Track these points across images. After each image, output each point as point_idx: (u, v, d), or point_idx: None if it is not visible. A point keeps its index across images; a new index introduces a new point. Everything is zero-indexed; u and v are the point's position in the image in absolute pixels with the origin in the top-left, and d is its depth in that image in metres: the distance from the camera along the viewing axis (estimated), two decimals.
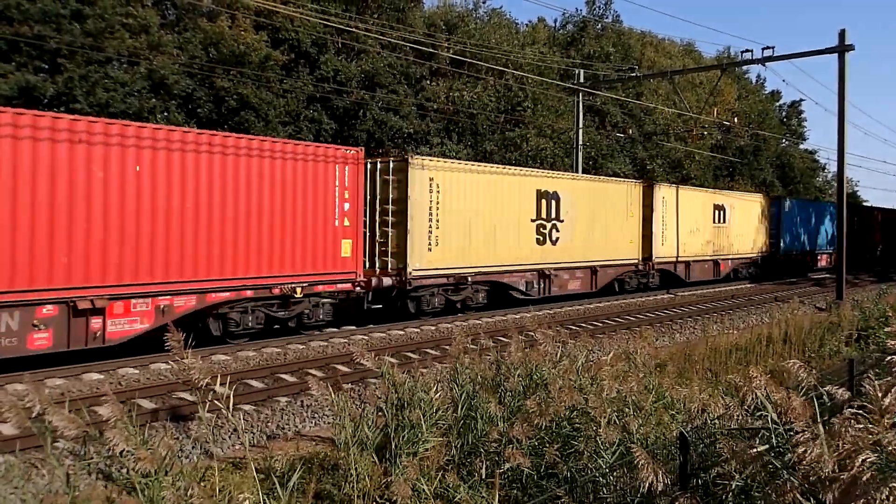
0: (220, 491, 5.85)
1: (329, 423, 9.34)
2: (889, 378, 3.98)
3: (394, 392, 6.83)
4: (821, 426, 3.81)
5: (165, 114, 23.88)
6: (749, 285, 31.40)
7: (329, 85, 27.47)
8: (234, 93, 24.99)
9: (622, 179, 27.64)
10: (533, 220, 21.05)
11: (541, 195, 21.39)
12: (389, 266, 17.30)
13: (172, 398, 10.18)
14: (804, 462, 3.48)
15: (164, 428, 8.71)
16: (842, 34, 23.14)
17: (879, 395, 3.68)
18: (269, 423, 9.46)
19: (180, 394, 10.25)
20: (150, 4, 24.63)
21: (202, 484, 6.28)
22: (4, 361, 10.97)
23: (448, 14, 35.61)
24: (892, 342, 3.80)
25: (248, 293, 13.96)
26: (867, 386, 3.91)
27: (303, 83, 27.08)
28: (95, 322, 11.85)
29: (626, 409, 6.44)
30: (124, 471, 4.87)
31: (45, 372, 11.20)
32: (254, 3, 24.19)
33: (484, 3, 39.06)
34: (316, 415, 9.90)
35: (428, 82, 31.97)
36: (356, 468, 6.33)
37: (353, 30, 25.62)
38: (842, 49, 23.00)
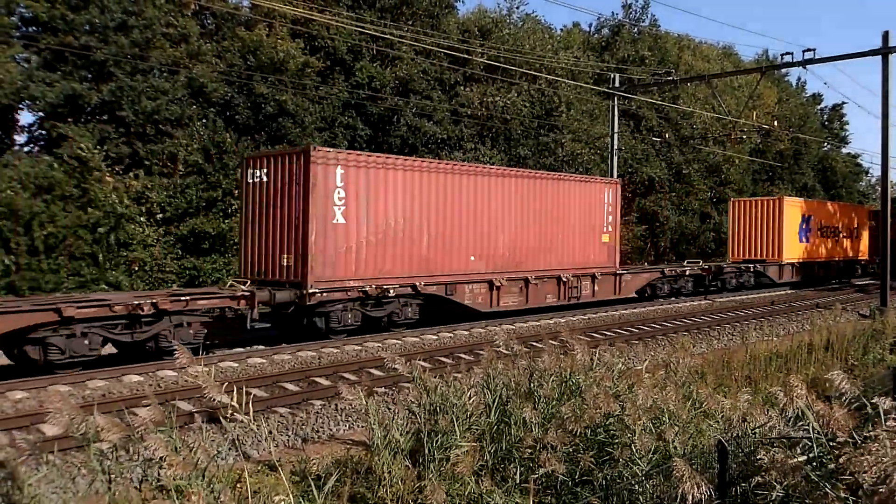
0: (254, 493, 5.92)
1: (362, 426, 9.38)
2: None
3: (426, 396, 6.84)
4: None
5: (204, 120, 24.33)
6: (789, 291, 30.90)
7: (364, 91, 27.70)
8: (272, 99, 25.34)
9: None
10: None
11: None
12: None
13: (209, 400, 10.29)
14: (846, 473, 3.39)
15: (201, 429, 8.83)
16: (885, 36, 22.58)
17: None
18: (304, 426, 9.54)
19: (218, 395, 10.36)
20: (190, 15, 25.15)
21: (237, 486, 6.37)
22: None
23: (482, 20, 35.62)
24: None
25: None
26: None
27: (338, 90, 27.35)
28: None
29: (663, 417, 6.34)
30: (159, 474, 4.96)
31: (87, 374, 11.48)
32: (291, 12, 24.54)
33: (518, 8, 39.08)
34: (350, 418, 9.96)
35: (462, 88, 32.03)
36: (390, 472, 6.34)
37: (388, 37, 25.81)
38: (885, 51, 22.43)
